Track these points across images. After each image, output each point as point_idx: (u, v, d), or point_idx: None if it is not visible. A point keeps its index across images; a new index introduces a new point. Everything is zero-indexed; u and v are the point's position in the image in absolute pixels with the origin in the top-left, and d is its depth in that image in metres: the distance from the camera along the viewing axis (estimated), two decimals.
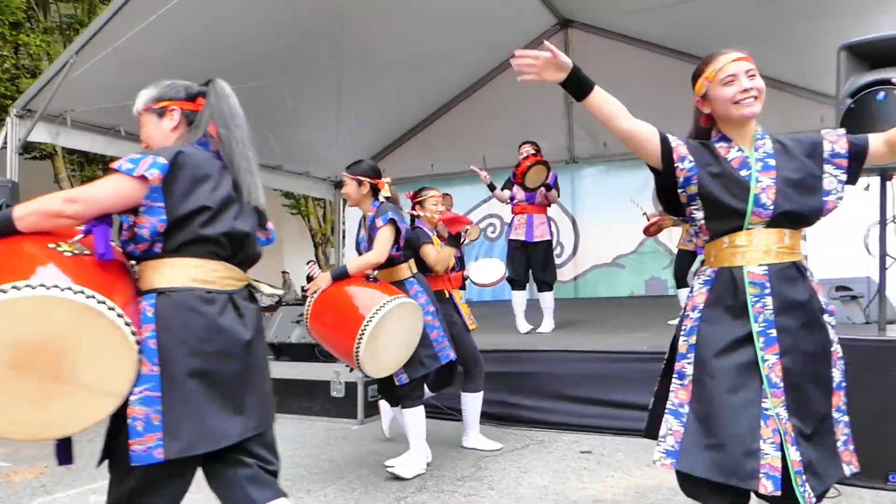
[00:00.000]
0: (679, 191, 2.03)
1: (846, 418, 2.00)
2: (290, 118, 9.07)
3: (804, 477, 1.82)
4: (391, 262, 3.54)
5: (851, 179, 2.04)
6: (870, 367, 3.27)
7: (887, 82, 3.14)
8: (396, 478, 3.41)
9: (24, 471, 3.79)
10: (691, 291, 2.07)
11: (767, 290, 1.93)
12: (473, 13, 8.01)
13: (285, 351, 5.99)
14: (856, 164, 2.01)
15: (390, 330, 3.11)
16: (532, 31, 9.53)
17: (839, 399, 1.99)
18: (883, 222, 3.53)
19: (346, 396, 4.82)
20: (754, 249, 1.95)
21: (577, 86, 2.09)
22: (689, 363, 1.98)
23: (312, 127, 9.58)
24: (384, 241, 3.40)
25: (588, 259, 9.89)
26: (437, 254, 3.92)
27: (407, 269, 3.65)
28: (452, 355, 3.60)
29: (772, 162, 2.01)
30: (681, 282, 6.03)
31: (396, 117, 10.49)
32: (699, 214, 2.01)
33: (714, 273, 2.01)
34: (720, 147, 2.06)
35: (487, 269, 5.07)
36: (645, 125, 2.07)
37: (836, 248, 7.44)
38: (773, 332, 1.91)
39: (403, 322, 3.21)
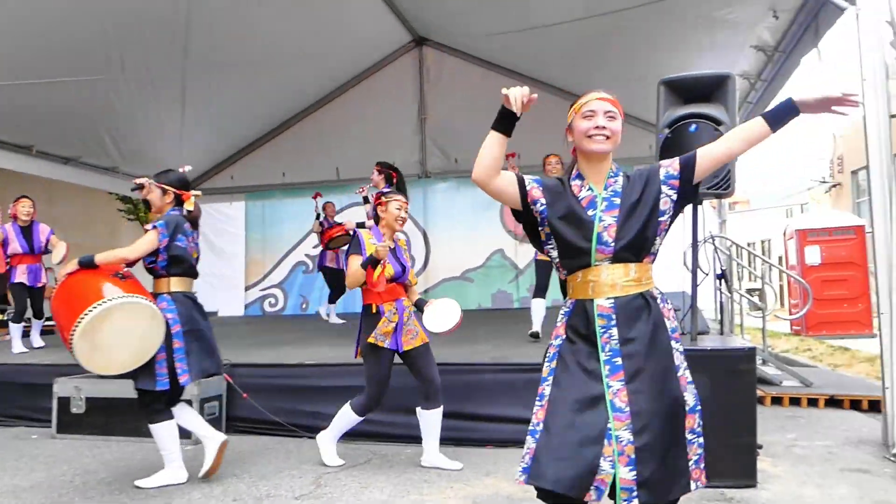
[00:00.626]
0: (539, 229, 2.21)
1: (700, 439, 2.13)
2: (129, 118, 8.48)
3: (634, 493, 1.98)
4: (153, 273, 3.63)
5: (688, 197, 2.21)
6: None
7: (698, 115, 3.48)
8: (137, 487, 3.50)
9: None
10: (557, 321, 2.24)
11: (613, 322, 2.09)
12: (330, 23, 7.95)
13: None
14: (686, 182, 2.15)
15: (119, 328, 3.15)
16: (388, 47, 9.63)
17: (693, 421, 2.11)
18: (695, 243, 3.90)
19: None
20: (602, 284, 2.11)
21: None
22: (548, 385, 2.14)
23: (153, 128, 8.99)
24: (144, 242, 3.51)
25: (438, 272, 10.09)
26: (353, 269, 3.76)
27: (165, 285, 3.61)
28: (165, 384, 3.45)
29: (617, 200, 2.15)
30: (541, 291, 6.21)
31: (247, 123, 10.14)
32: (553, 253, 2.20)
33: (571, 305, 2.19)
34: (574, 185, 2.20)
35: (441, 315, 4.27)
36: (507, 174, 2.18)
37: (659, 265, 8.13)
38: (619, 361, 2.07)
39: (136, 324, 3.22)
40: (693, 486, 2.10)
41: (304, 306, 10.50)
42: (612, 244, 2.10)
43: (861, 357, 8.04)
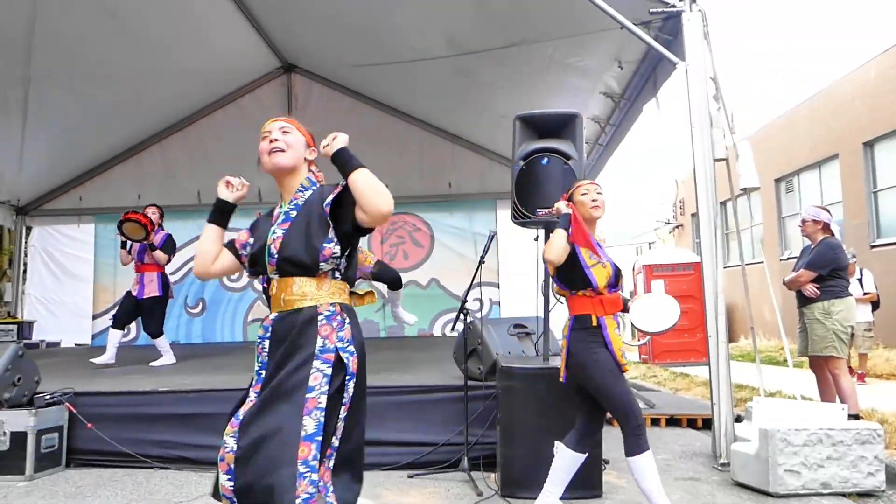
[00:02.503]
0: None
1: (313, 476, 1.91)
2: None
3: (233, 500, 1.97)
4: None
5: (352, 228, 2.13)
6: (538, 390, 3.78)
7: (550, 150, 3.76)
8: None
9: None
10: None
11: (268, 335, 2.15)
12: (195, 43, 7.75)
13: None
14: (342, 218, 2.12)
15: None
16: (256, 72, 9.51)
17: (308, 451, 1.92)
18: (546, 272, 4.14)
19: (10, 449, 4.16)
20: (275, 298, 2.16)
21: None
22: None
23: None
24: None
25: None
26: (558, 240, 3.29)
27: None
28: None
29: (293, 214, 2.21)
30: None
31: (99, 140, 9.53)
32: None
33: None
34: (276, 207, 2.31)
35: (655, 311, 3.59)
36: (224, 254, 2.35)
37: (520, 292, 8.52)
38: (263, 373, 2.12)
39: None
40: None
41: None
42: (276, 256, 2.15)
43: (698, 381, 8.76)
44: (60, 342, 9.74)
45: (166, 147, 10.04)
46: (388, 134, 9.35)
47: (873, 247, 11.76)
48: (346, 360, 2.06)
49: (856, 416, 4.73)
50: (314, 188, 2.26)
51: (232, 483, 1.94)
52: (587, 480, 3.71)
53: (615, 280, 3.15)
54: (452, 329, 4.36)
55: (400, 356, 6.02)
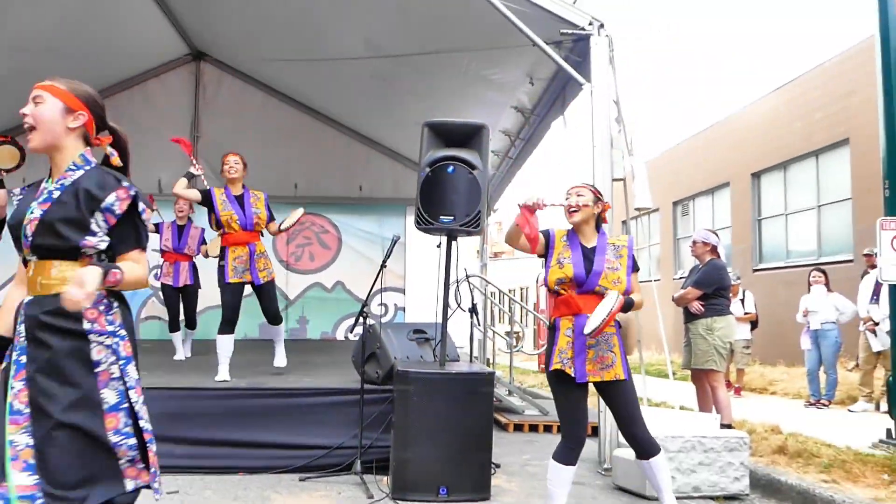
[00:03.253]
0: None
1: (131, 440, 1.96)
2: None
3: (40, 499, 1.81)
4: None
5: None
6: (433, 395, 3.84)
7: (455, 158, 3.83)
8: None
9: None
10: None
11: (22, 319, 1.95)
12: (98, 20, 7.36)
13: None
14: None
15: None
16: (163, 57, 9.15)
17: (117, 421, 1.94)
18: (447, 278, 4.22)
19: None
20: (31, 280, 1.97)
21: None
22: None
23: None
24: None
25: (203, 300, 9.59)
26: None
27: None
28: None
29: (56, 194, 1.99)
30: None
31: None
32: None
33: None
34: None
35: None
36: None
37: (425, 298, 8.59)
38: (23, 359, 1.92)
39: None
40: (131, 484, 1.97)
41: None
42: (31, 238, 1.96)
43: (592, 391, 9.11)
44: None
45: None
46: (302, 132, 9.21)
47: (755, 270, 12.61)
48: (115, 346, 1.98)
49: (728, 426, 5.05)
50: (87, 167, 2.05)
51: (37, 479, 1.81)
52: (475, 483, 3.79)
53: (578, 282, 3.11)
54: (352, 332, 4.36)
55: (300, 359, 5.93)
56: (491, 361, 8.43)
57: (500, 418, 6.30)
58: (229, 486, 3.92)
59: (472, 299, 5.13)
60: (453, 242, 4.16)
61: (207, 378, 4.85)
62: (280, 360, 5.37)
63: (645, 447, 3.10)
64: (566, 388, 3.11)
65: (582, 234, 3.23)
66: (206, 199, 5.07)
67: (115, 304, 2.02)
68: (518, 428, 6.22)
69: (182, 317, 6.93)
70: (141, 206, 2.05)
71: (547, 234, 3.24)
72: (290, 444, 4.29)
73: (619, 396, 3.12)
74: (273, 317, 5.29)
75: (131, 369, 2.01)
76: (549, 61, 5.18)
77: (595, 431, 5.62)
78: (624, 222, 6.15)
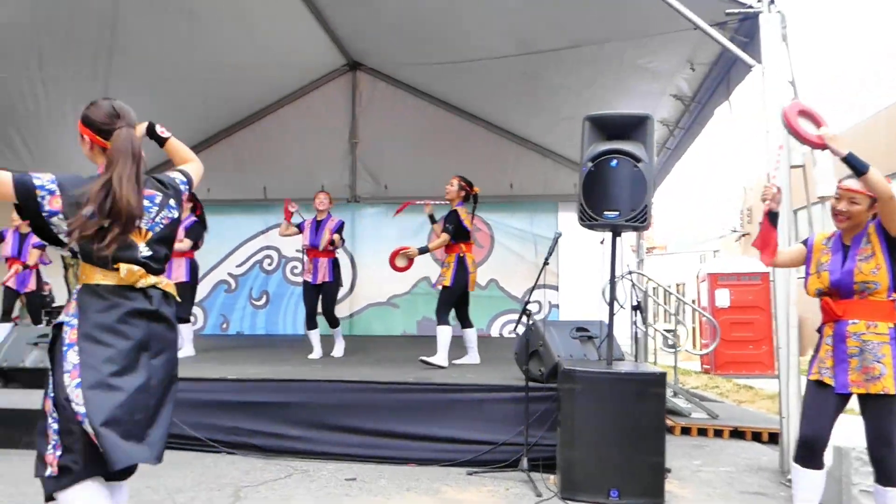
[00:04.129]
0: None
1: (55, 426, 2.09)
2: (42, 119, 8.15)
3: None
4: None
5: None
6: (600, 395, 3.75)
7: (619, 151, 3.72)
8: None
9: None
10: None
11: None
12: (263, 39, 7.93)
13: (15, 377, 5.30)
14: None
15: None
16: (322, 69, 9.69)
17: (48, 406, 2.11)
18: (612, 275, 4.11)
19: None
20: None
21: None
22: None
23: (69, 129, 8.65)
24: None
25: (364, 297, 10.07)
26: None
27: None
28: None
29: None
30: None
31: (174, 135, 9.87)
32: None
33: None
34: None
35: None
36: None
37: (579, 295, 8.44)
38: None
39: None
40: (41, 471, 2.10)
41: (224, 326, 10.25)
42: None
43: (763, 395, 8.51)
44: None
45: (234, 143, 10.31)
46: (452, 133, 9.38)
47: None
48: (64, 333, 2.13)
49: None
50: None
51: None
52: (648, 486, 3.66)
53: (837, 288, 2.97)
54: (514, 330, 4.37)
55: (459, 355, 6.05)
56: (651, 363, 8.13)
57: (667, 421, 6.04)
58: (401, 476, 4.06)
59: (636, 296, 4.96)
60: (617, 238, 4.04)
61: (377, 372, 5.09)
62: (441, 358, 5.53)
63: (889, 474, 2.88)
64: (824, 395, 2.99)
65: (846, 235, 3.07)
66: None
67: (74, 297, 2.19)
68: (685, 431, 5.92)
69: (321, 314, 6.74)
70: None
71: (806, 243, 3.17)
72: (457, 439, 4.38)
73: (880, 412, 2.89)
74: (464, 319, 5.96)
75: (71, 354, 2.11)
76: (711, 44, 4.90)
77: (773, 439, 5.27)
78: (796, 212, 5.69)
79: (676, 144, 7.42)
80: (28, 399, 4.66)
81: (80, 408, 2.02)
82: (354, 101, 9.86)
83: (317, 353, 6.50)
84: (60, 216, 2.09)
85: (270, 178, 10.04)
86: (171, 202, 2.35)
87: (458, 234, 5.75)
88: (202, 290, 10.45)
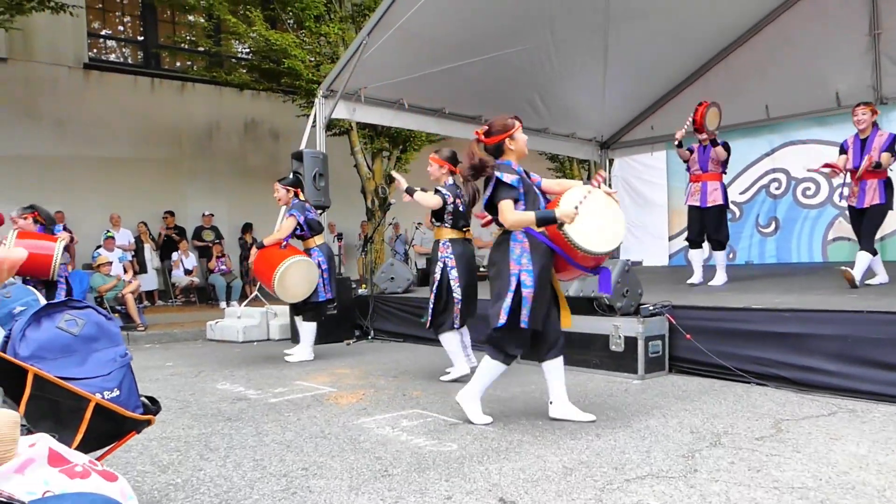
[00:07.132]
0: None
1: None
2: (555, 80, 9.12)
3: None
4: (302, 238, 6.09)
5: None
6: None
7: None
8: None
9: (348, 395, 4.43)
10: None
11: None
12: None
13: None
14: None
15: (293, 273, 5.64)
16: None
17: None
18: None
19: (625, 351, 4.80)
20: None
21: None
22: None
23: (577, 88, 9.53)
24: (287, 226, 5.92)
25: None
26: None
27: (312, 242, 6.07)
28: (327, 296, 6.02)
29: None
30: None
31: (665, 70, 10.02)
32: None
33: None
34: None
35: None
36: None
37: None
38: None
39: (301, 271, 5.72)
40: None
41: (730, 256, 10.01)
42: None
43: None
44: (642, 262, 10.79)
45: (728, 65, 9.86)
46: None
47: None
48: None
49: None
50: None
51: None
52: None
53: None
54: None
55: None
56: None
57: None
58: None
59: None
60: None
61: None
62: None
63: None
64: None
65: None
66: None
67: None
68: None
69: None
70: None
71: None
72: None
73: None
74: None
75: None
76: None
77: None
78: None
79: None
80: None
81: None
82: None
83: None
84: None
85: (771, 96, 9.31)
86: None
87: None
88: None
